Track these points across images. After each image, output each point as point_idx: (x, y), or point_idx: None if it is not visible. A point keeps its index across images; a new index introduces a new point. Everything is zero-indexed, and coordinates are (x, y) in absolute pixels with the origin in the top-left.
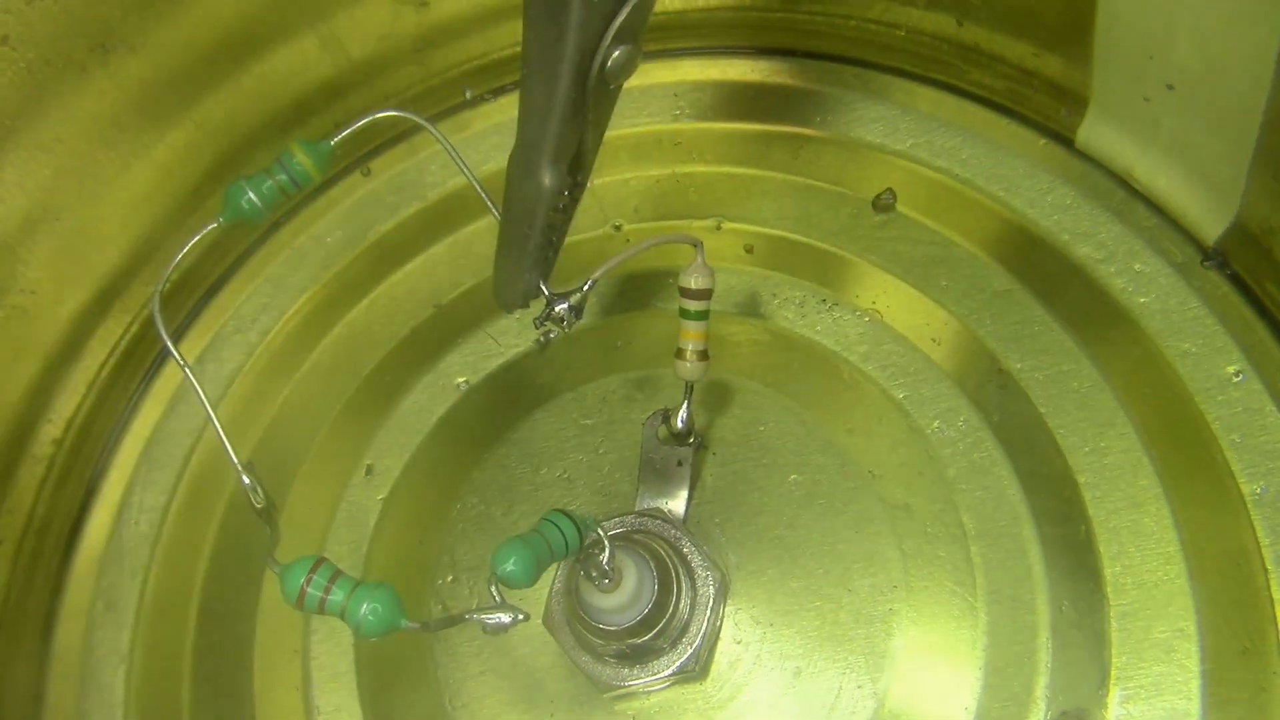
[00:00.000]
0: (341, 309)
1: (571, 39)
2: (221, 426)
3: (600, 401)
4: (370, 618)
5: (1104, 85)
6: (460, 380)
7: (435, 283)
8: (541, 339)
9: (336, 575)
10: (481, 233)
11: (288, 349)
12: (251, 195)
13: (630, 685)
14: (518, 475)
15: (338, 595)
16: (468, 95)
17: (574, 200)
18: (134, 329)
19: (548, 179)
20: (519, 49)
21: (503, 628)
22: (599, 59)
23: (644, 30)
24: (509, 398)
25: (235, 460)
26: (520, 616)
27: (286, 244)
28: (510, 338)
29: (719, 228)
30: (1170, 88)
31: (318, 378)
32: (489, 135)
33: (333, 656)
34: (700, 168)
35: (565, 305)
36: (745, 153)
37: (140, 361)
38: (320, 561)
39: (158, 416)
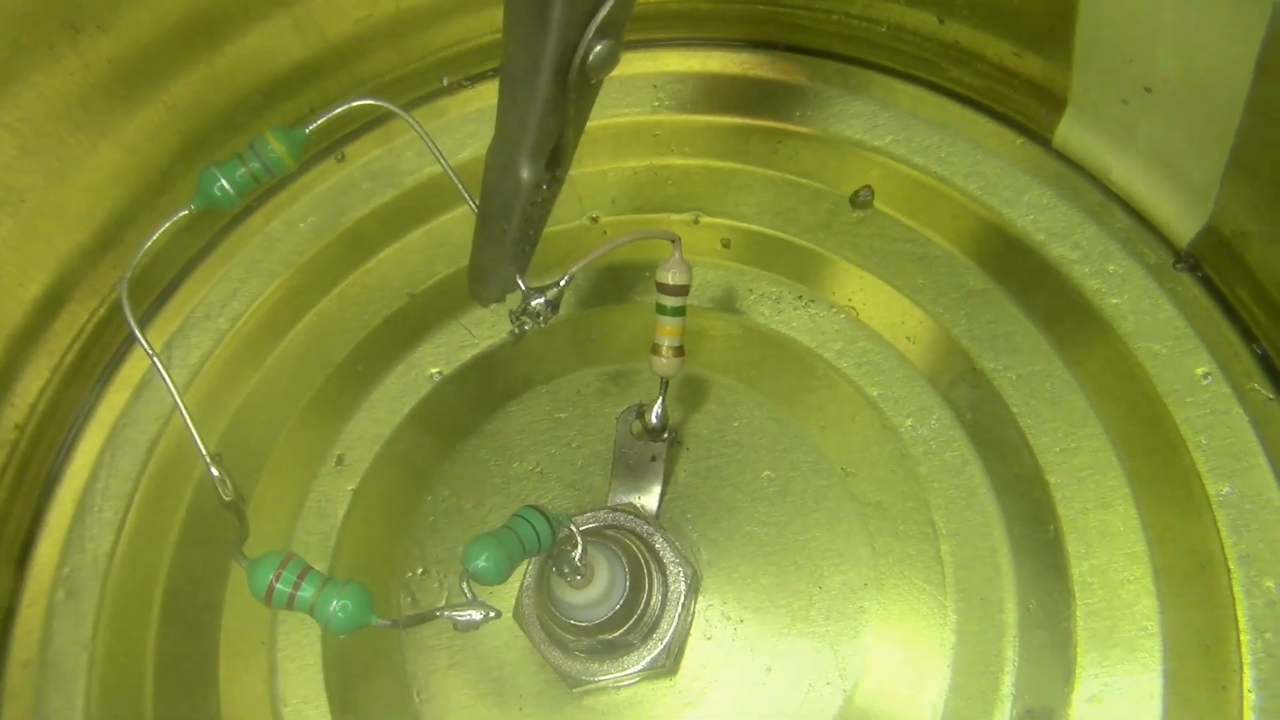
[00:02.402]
0: (313, 296)
1: (553, 33)
2: (189, 414)
3: (574, 395)
4: (340, 614)
5: (1083, 86)
6: (433, 371)
7: (409, 271)
8: (516, 330)
9: (306, 571)
10: (457, 222)
11: (258, 336)
12: (224, 182)
13: (600, 680)
14: (490, 468)
15: (307, 591)
16: (445, 82)
17: (552, 194)
18: (100, 313)
19: (526, 173)
20: (498, 36)
21: (474, 625)
22: (580, 53)
23: (626, 25)
24: (482, 389)
25: (203, 451)
26: (492, 614)
27: (258, 229)
28: (484, 329)
29: (697, 221)
30: (1148, 91)
31: (288, 366)
32: (465, 123)
33: (300, 648)
34: (678, 160)
35: (542, 300)
36: (724, 146)
37: (106, 346)
38: (290, 557)
39: (124, 402)
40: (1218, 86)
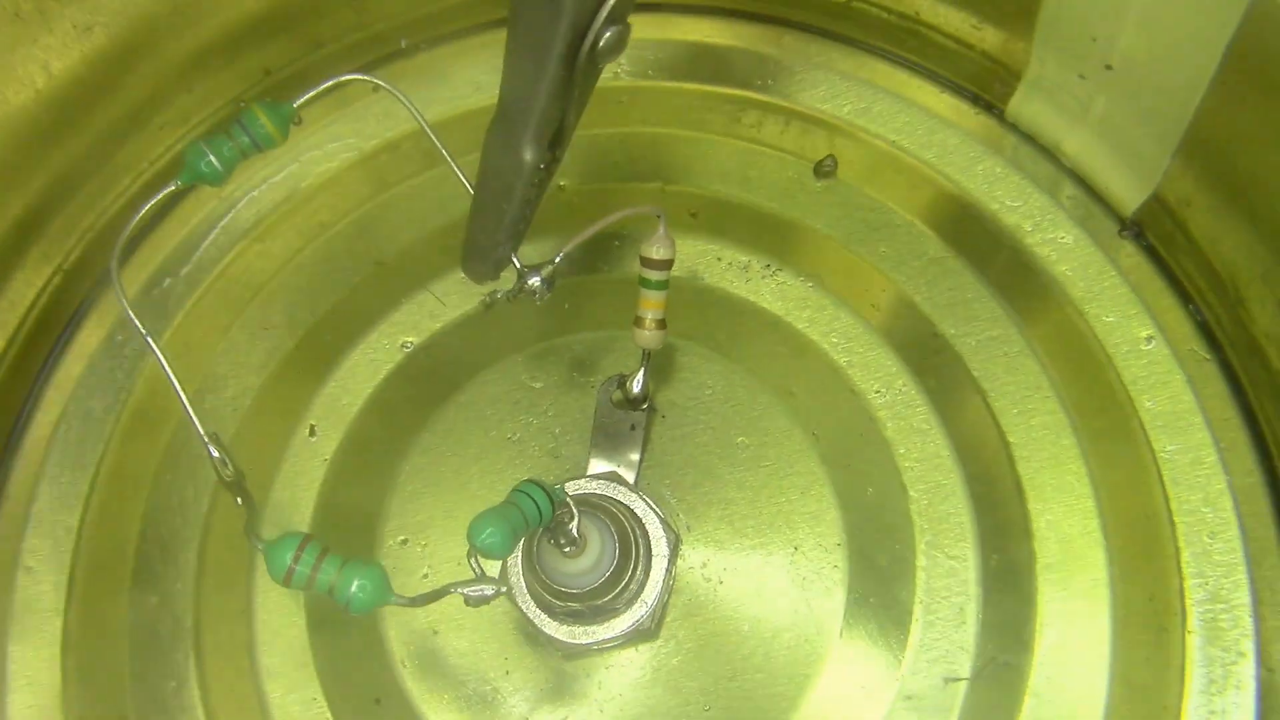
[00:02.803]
0: (274, 265)
1: (565, 19)
2: (186, 396)
3: (547, 364)
4: (360, 594)
5: (1041, 61)
6: (404, 340)
7: (374, 239)
8: (487, 299)
9: (324, 552)
10: (422, 187)
11: (220, 305)
12: (211, 158)
13: (586, 644)
14: (466, 437)
15: (327, 573)
16: (403, 44)
17: (550, 174)
18: (61, 272)
19: (529, 154)
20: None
21: (485, 600)
22: (590, 39)
23: (632, 8)
24: (454, 358)
25: (201, 431)
26: (502, 589)
27: (214, 193)
28: (455, 297)
29: (663, 189)
30: (1108, 68)
31: (254, 334)
32: (427, 85)
33: (281, 615)
34: (643, 128)
35: (538, 278)
36: (687, 115)
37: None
38: (307, 539)
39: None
40: (1181, 67)
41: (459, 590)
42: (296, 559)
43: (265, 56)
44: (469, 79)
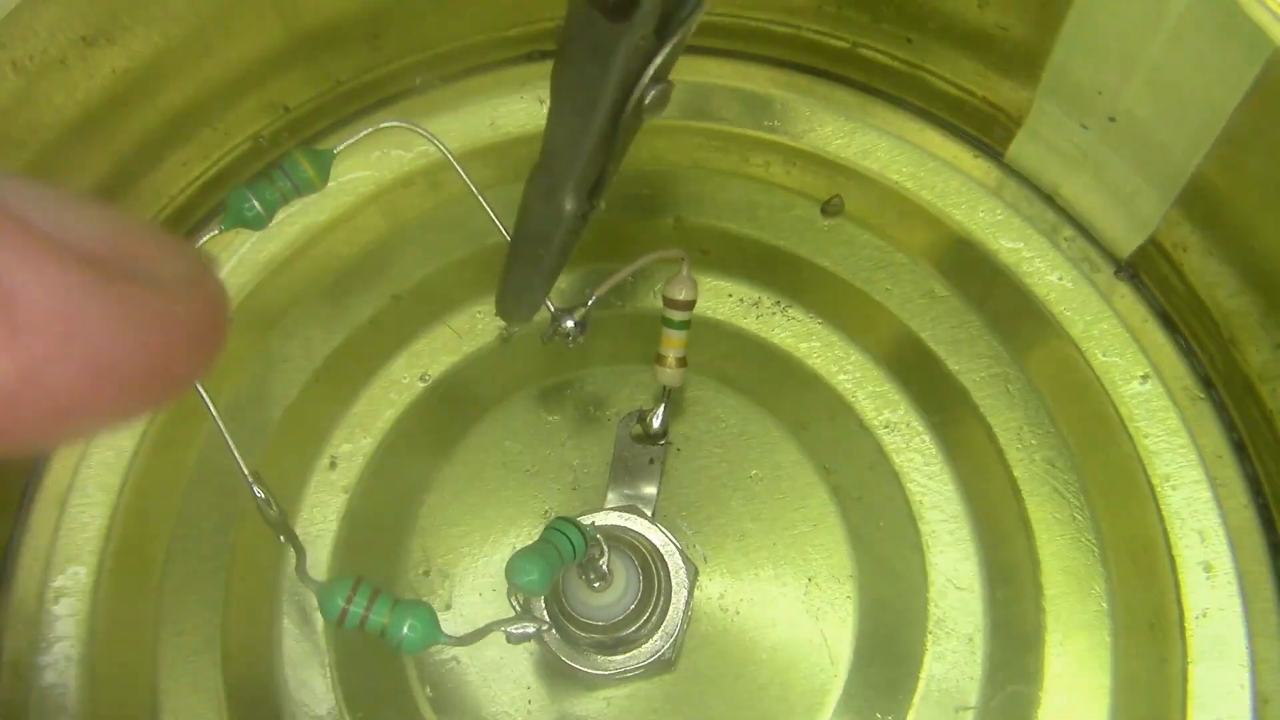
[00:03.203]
0: (292, 297)
1: (614, 79)
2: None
3: (563, 397)
4: (411, 635)
5: (1042, 110)
6: (421, 372)
7: (391, 272)
8: (504, 333)
9: (376, 594)
10: (438, 221)
11: (240, 337)
12: (254, 203)
13: (607, 672)
14: (484, 470)
15: (379, 614)
16: (418, 81)
17: (586, 221)
18: None
19: (570, 204)
20: (473, 39)
21: (527, 637)
22: (636, 96)
23: (674, 66)
24: (472, 391)
25: (245, 472)
26: (545, 626)
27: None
28: (472, 331)
29: (676, 224)
30: (1112, 120)
31: (272, 366)
32: (441, 120)
33: (304, 642)
34: (657, 165)
35: (572, 321)
36: (699, 153)
37: None
38: (359, 581)
39: None
40: (1185, 126)
41: (503, 629)
42: (350, 600)
43: (283, 93)
44: (483, 115)
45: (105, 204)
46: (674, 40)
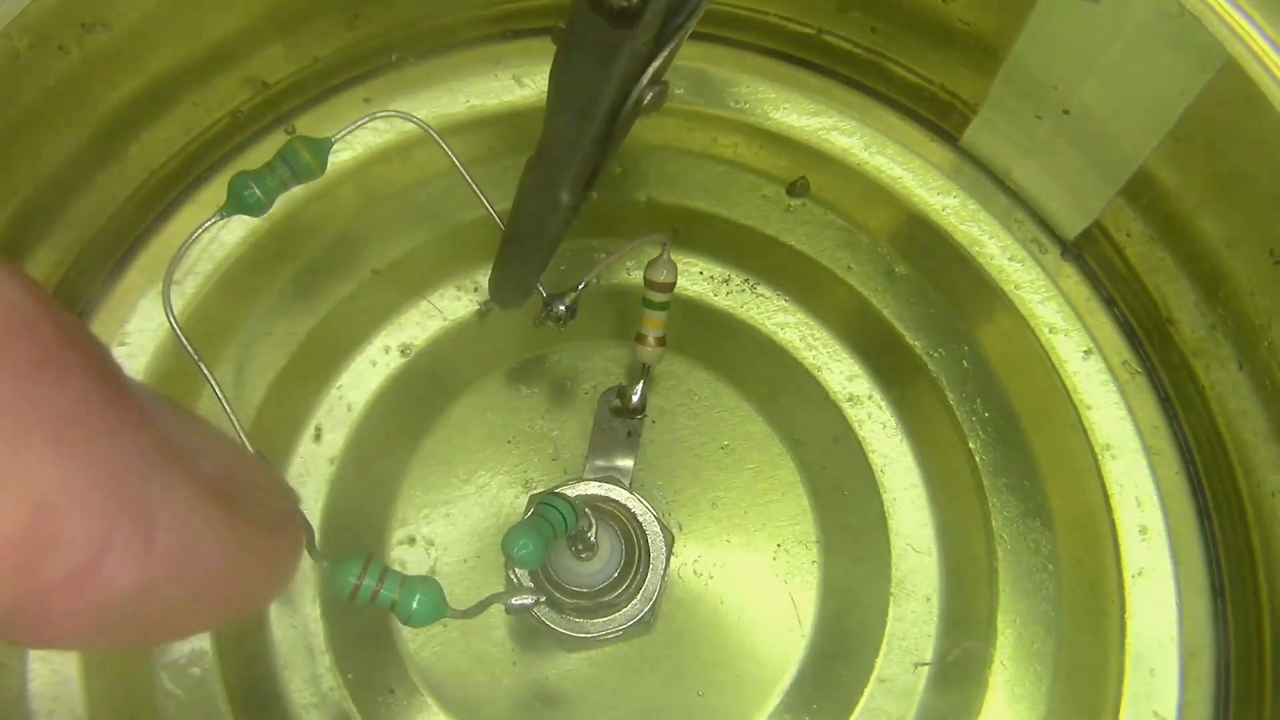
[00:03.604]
0: (271, 272)
1: (614, 82)
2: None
3: (542, 371)
4: (420, 609)
5: (999, 100)
6: (401, 345)
7: (370, 247)
8: (482, 308)
9: (384, 571)
10: (416, 197)
11: (223, 311)
12: (255, 189)
13: (588, 636)
14: (466, 442)
15: (389, 590)
16: (394, 58)
17: (578, 211)
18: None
19: (566, 197)
20: (450, 18)
21: (525, 608)
22: (634, 97)
23: (670, 65)
24: (453, 364)
25: (251, 451)
26: (541, 598)
27: (211, 203)
28: (451, 305)
29: (648, 202)
30: (1066, 113)
31: (255, 340)
32: (418, 97)
33: (297, 633)
34: (627, 144)
35: (563, 307)
36: (670, 132)
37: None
38: (369, 558)
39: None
40: (1136, 123)
41: (504, 601)
42: (360, 577)
43: (262, 69)
44: (461, 92)
45: (221, 433)
46: (672, 44)
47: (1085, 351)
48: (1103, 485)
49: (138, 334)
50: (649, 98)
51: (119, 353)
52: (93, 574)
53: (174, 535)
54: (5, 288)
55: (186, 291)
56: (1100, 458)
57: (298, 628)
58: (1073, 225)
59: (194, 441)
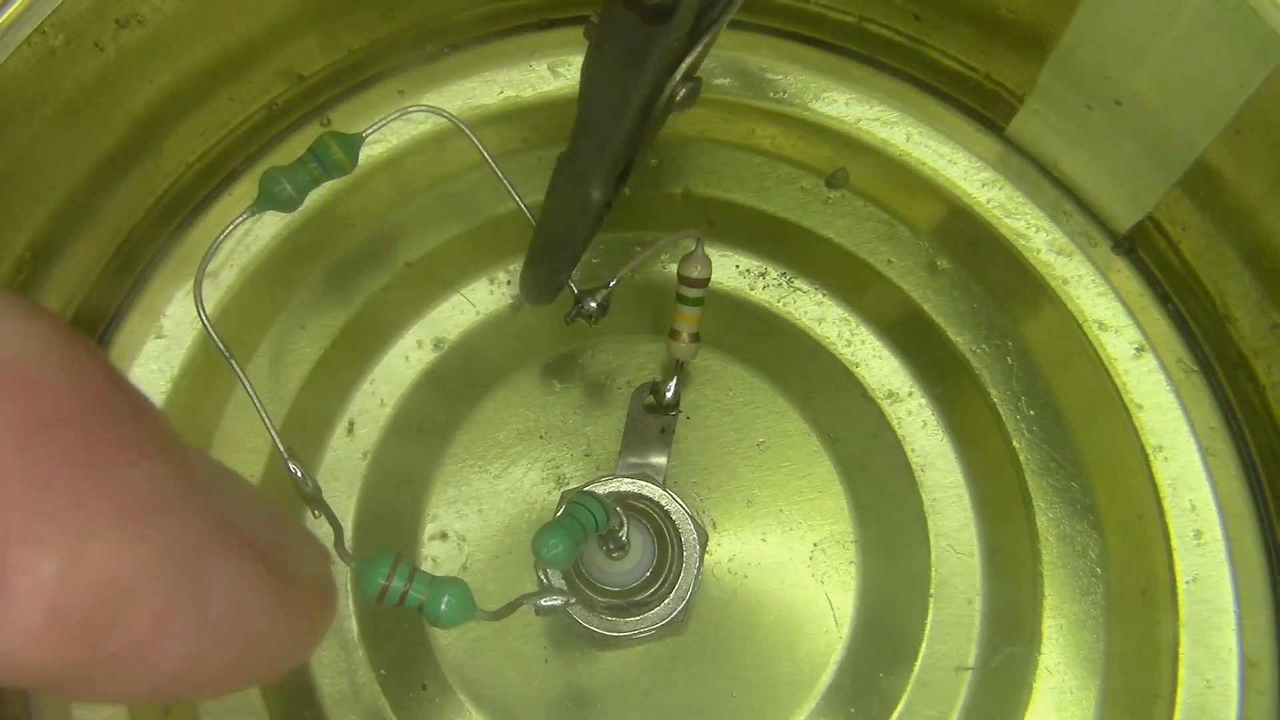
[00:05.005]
0: (305, 266)
1: (647, 79)
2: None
3: (574, 366)
4: (449, 611)
5: (1047, 90)
6: (435, 339)
7: (404, 239)
8: (517, 302)
9: (413, 572)
10: (449, 191)
11: (255, 305)
12: (286, 185)
13: (621, 634)
14: (499, 437)
15: (418, 590)
16: (429, 50)
17: (611, 207)
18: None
19: (598, 194)
20: (485, 8)
21: (556, 609)
22: (667, 94)
23: (703, 62)
24: (486, 358)
25: (281, 448)
26: (572, 599)
27: (245, 198)
28: (484, 299)
29: (684, 195)
30: (1118, 104)
31: (290, 333)
32: (452, 88)
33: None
34: (662, 136)
35: (595, 303)
36: (707, 124)
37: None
38: (398, 559)
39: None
40: (1193, 116)
41: (533, 602)
42: (390, 577)
43: (297, 61)
44: (495, 83)
45: (265, 495)
46: (705, 40)
47: (1137, 349)
48: (1155, 487)
49: (174, 327)
50: (682, 94)
51: (156, 346)
52: (152, 645)
53: (227, 605)
54: (88, 367)
55: (222, 285)
56: (1152, 459)
57: (330, 636)
58: (1125, 218)
59: (242, 508)
